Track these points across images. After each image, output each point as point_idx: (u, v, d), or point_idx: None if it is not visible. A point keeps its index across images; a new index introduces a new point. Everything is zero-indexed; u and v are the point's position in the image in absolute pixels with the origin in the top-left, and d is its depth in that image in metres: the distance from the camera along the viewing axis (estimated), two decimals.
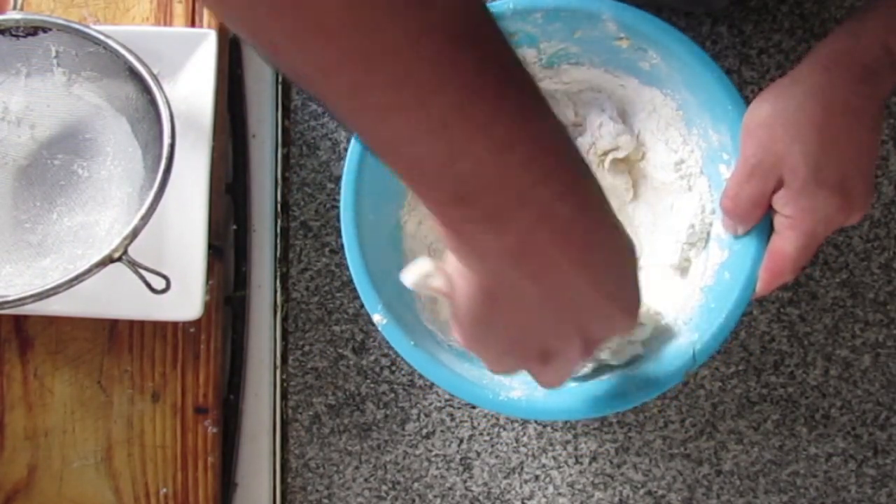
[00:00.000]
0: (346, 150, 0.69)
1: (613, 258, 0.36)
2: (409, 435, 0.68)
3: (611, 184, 0.61)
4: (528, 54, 0.59)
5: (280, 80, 0.70)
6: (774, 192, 0.50)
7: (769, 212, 0.51)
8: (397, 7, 0.27)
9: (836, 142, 0.48)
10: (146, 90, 0.57)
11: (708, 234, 0.58)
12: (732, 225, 0.53)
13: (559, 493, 0.67)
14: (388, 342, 0.56)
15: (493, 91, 0.29)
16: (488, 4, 0.55)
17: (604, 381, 0.55)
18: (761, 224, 0.52)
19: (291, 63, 0.29)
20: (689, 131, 0.59)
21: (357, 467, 0.68)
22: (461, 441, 0.68)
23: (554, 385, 0.43)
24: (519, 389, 0.55)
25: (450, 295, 0.39)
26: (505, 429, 0.67)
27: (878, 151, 0.50)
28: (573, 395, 0.55)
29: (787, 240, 0.49)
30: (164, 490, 0.64)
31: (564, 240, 0.33)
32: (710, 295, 0.56)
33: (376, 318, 0.56)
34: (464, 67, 0.28)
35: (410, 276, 0.41)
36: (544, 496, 0.67)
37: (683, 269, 0.60)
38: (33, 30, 0.58)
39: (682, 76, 0.55)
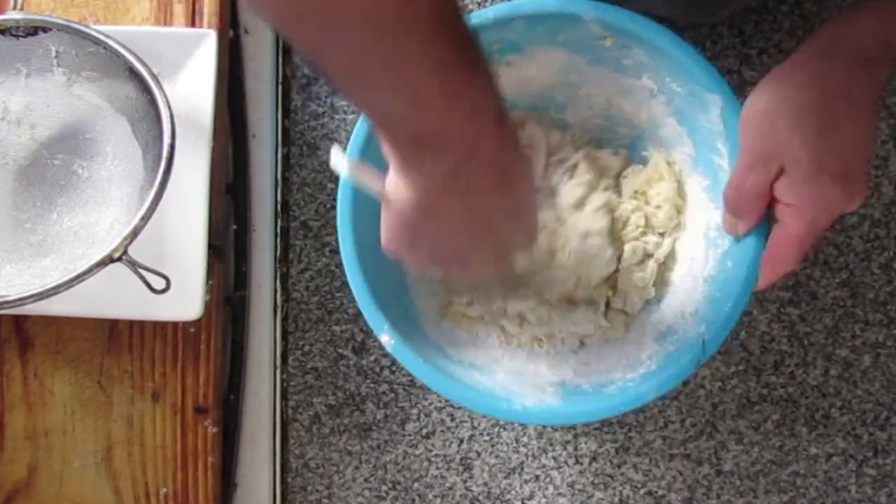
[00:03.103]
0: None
1: (522, 187, 0.45)
2: (409, 435, 0.68)
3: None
4: (513, 60, 0.59)
5: (280, 80, 0.70)
6: (775, 181, 0.50)
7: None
8: (395, 13, 0.35)
9: (835, 129, 0.48)
10: (146, 90, 0.57)
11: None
12: (734, 223, 0.53)
13: (559, 493, 0.67)
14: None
15: (461, 68, 0.38)
16: (468, 16, 0.55)
17: (615, 380, 0.55)
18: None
19: (312, 46, 0.37)
20: (680, 124, 0.59)
21: (357, 467, 0.68)
22: (461, 441, 0.68)
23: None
24: (532, 397, 0.55)
25: (387, 199, 0.45)
26: (505, 429, 0.67)
27: (874, 138, 0.50)
28: (587, 397, 0.55)
29: (789, 227, 0.49)
30: (164, 490, 0.64)
31: (489, 169, 0.42)
32: (713, 285, 0.56)
33: (384, 338, 0.56)
34: (440, 52, 0.37)
35: (341, 162, 0.47)
36: (544, 496, 0.67)
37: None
38: (33, 30, 0.58)
39: (668, 69, 0.55)
